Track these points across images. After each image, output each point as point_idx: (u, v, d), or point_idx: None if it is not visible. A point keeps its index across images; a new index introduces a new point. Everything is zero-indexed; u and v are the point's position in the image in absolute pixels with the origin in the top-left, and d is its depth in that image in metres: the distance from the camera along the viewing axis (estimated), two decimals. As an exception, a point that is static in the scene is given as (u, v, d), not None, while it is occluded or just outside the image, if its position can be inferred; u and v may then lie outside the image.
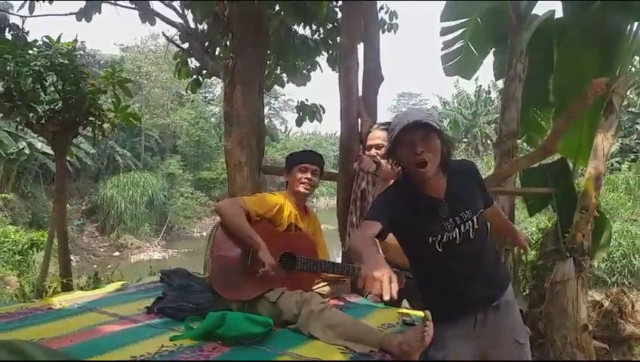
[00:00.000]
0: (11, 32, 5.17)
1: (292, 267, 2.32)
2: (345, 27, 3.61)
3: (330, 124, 57.10)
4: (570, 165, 4.63)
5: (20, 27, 5.17)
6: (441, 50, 5.57)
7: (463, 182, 1.84)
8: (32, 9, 4.80)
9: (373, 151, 2.68)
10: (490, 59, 5.52)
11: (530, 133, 5.29)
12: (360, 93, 3.51)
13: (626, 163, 15.71)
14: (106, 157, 18.53)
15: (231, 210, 2.26)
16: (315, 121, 5.87)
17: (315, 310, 2.01)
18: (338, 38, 4.63)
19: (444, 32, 5.43)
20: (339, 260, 2.97)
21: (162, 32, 15.35)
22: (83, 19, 4.79)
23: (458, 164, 1.90)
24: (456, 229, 1.74)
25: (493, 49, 5.42)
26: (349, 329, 1.94)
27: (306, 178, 2.47)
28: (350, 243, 1.65)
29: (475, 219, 1.76)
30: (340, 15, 5.02)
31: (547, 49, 4.76)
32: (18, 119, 4.79)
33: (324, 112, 5.88)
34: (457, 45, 5.47)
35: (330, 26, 5.40)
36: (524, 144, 6.70)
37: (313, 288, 2.46)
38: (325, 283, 2.57)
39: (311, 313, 2.00)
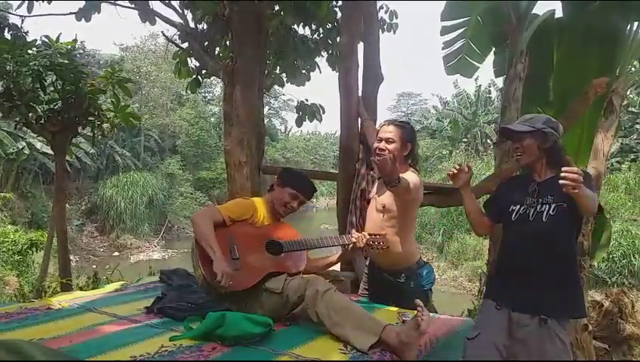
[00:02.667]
0: (11, 32, 5.14)
1: (280, 251, 2.38)
2: (345, 27, 3.61)
3: (330, 124, 57.07)
4: (570, 165, 4.61)
5: (20, 27, 5.15)
6: (442, 49, 5.54)
7: None
8: (30, 9, 4.79)
9: (382, 145, 2.57)
10: (490, 59, 5.50)
11: (530, 133, 5.25)
12: (360, 93, 3.51)
13: (626, 163, 15.72)
14: (106, 157, 18.49)
15: (200, 220, 2.30)
16: (315, 120, 5.87)
17: (320, 290, 2.06)
18: (338, 38, 4.63)
19: (445, 31, 5.41)
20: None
21: (162, 32, 15.36)
22: (82, 19, 4.79)
23: None
24: (533, 208, 2.07)
25: (494, 48, 5.40)
26: (351, 314, 1.99)
27: (290, 205, 2.57)
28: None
29: (553, 206, 2.02)
30: (339, 15, 5.02)
31: (547, 49, 4.74)
32: (17, 119, 4.78)
33: (324, 112, 5.87)
34: (458, 44, 5.44)
35: (330, 25, 5.39)
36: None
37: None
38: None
39: (316, 293, 2.05)
